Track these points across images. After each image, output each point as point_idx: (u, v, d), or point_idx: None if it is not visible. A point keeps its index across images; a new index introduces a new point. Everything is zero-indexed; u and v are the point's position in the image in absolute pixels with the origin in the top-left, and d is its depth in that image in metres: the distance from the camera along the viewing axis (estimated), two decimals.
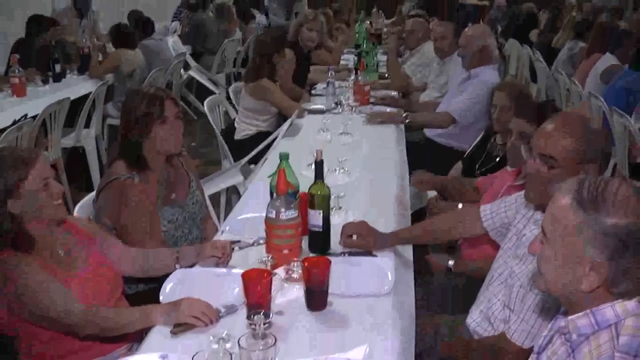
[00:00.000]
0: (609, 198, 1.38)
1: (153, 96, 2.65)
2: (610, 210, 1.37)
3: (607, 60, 6.06)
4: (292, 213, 2.28)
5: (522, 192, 2.30)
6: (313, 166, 2.48)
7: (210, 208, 3.20)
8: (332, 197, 2.57)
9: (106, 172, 2.73)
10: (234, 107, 5.16)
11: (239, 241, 2.53)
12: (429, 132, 4.66)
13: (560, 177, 1.85)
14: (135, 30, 6.82)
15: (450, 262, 2.78)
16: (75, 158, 5.64)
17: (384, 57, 6.52)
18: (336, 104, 4.72)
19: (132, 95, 2.73)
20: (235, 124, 4.75)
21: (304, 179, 2.64)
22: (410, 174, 3.55)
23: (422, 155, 4.34)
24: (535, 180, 2.07)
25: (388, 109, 4.77)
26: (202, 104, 4.94)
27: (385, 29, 8.63)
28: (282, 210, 2.26)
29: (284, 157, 2.51)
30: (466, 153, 3.91)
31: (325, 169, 2.55)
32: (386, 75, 6.05)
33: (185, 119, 4.77)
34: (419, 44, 5.99)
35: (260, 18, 10.92)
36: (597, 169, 2.02)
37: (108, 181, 2.63)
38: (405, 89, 5.74)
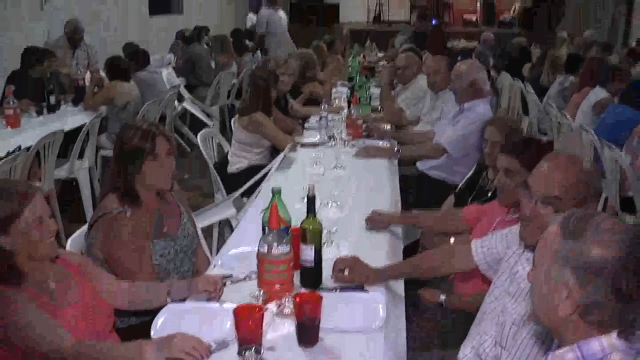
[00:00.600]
0: (591, 228, 1.42)
1: (145, 132, 2.65)
2: (590, 240, 1.41)
3: (598, 93, 6.15)
4: (284, 248, 2.28)
5: (514, 227, 2.31)
6: (306, 200, 2.49)
7: (203, 241, 3.20)
8: (324, 232, 2.57)
9: (98, 206, 2.72)
10: (227, 139, 5.17)
11: (230, 276, 2.53)
12: (421, 166, 4.67)
13: None
14: (130, 62, 6.86)
15: (442, 297, 2.77)
16: (68, 189, 5.63)
17: (377, 90, 6.56)
18: (329, 137, 4.72)
19: (125, 129, 2.73)
20: (229, 157, 4.76)
21: (297, 212, 2.64)
22: (402, 207, 3.54)
23: (415, 189, 4.35)
24: (531, 222, 2.07)
25: (380, 143, 4.79)
26: (196, 136, 4.95)
27: (380, 62, 8.71)
28: (274, 245, 2.26)
29: (276, 192, 2.52)
30: (458, 187, 3.93)
31: (318, 203, 2.56)
32: (379, 108, 6.09)
33: (179, 150, 4.77)
34: (413, 78, 6.03)
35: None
36: (596, 207, 2.05)
37: (100, 215, 2.63)
38: (398, 122, 5.76)
